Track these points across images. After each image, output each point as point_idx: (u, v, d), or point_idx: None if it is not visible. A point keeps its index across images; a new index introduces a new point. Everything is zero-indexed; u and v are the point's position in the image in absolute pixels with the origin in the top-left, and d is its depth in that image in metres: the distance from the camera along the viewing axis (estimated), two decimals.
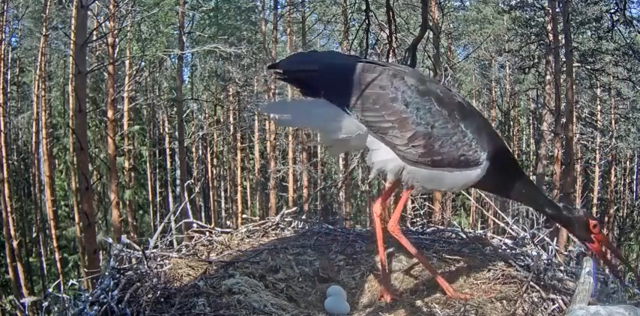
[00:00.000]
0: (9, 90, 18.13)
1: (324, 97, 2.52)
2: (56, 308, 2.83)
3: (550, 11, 13.31)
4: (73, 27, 13.38)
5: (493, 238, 3.40)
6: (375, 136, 2.48)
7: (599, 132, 19.13)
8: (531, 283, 2.60)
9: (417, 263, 3.09)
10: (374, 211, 2.74)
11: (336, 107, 2.50)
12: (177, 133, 19.42)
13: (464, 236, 3.42)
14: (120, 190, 16.20)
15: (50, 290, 2.94)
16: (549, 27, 13.57)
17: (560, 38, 12.89)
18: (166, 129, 23.37)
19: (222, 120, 22.73)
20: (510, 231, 3.39)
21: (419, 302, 2.63)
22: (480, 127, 2.49)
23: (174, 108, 18.63)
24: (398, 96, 2.44)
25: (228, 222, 21.17)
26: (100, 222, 17.57)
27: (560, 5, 12.11)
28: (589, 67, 15.05)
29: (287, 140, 19.05)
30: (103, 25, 13.73)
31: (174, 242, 3.35)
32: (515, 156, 2.57)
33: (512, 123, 23.08)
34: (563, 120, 11.94)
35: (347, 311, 2.74)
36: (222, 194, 24.07)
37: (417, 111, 2.42)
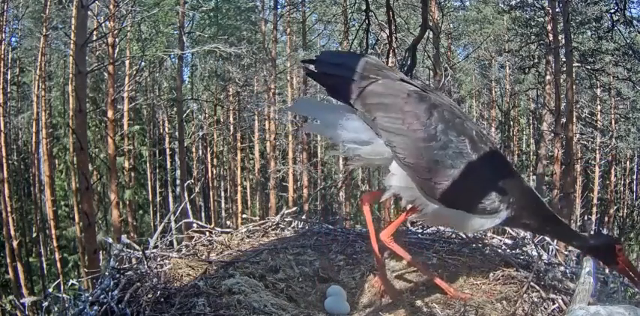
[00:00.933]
0: (9, 90, 18.12)
1: (355, 109, 2.44)
2: (56, 308, 2.83)
3: (550, 11, 13.31)
4: (73, 27, 13.39)
5: (493, 238, 3.40)
6: (399, 164, 2.42)
7: (599, 132, 19.13)
8: (531, 283, 2.60)
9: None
10: (363, 200, 2.72)
11: (367, 126, 2.43)
12: (177, 133, 19.42)
13: (464, 236, 3.42)
14: (120, 190, 16.20)
15: (50, 290, 2.94)
16: (549, 27, 13.56)
17: (560, 38, 12.89)
18: (166, 129, 23.37)
19: (222, 120, 22.73)
20: (510, 230, 3.39)
21: (419, 302, 2.63)
22: (506, 175, 2.45)
23: (175, 108, 18.63)
24: (433, 132, 2.37)
25: (228, 222, 21.16)
26: (100, 222, 17.57)
27: (560, 5, 12.11)
28: (589, 67, 15.05)
29: (287, 140, 19.06)
30: (103, 25, 13.74)
31: (174, 242, 3.35)
32: (538, 196, 2.52)
33: (512, 123, 23.09)
34: (563, 120, 11.94)
35: (347, 311, 2.74)
36: (222, 194, 24.07)
37: (449, 153, 2.36)
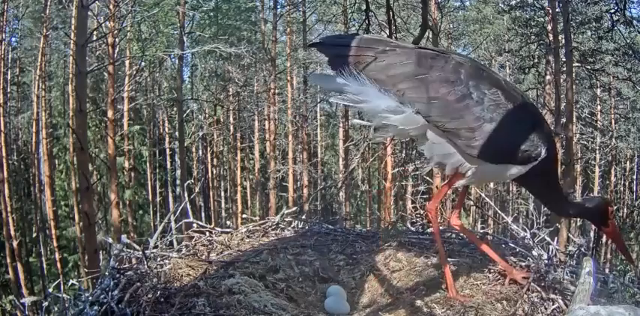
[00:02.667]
0: (9, 90, 18.12)
1: (378, 85, 2.40)
2: (56, 308, 2.83)
3: (550, 11, 13.30)
4: (73, 27, 13.42)
5: (493, 238, 3.40)
6: (436, 131, 2.39)
7: (599, 132, 19.13)
8: (531, 283, 2.60)
9: (417, 263, 3.09)
10: (429, 210, 2.67)
11: (394, 97, 2.40)
12: (177, 133, 19.42)
13: (464, 236, 3.42)
14: (120, 190, 16.21)
15: (50, 290, 2.93)
16: (549, 27, 13.56)
17: (560, 38, 12.88)
18: (166, 129, 23.38)
19: (222, 120, 22.72)
20: (510, 230, 3.39)
21: (419, 302, 2.63)
22: (539, 120, 2.47)
23: (174, 108, 18.63)
24: (466, 90, 2.34)
25: (228, 222, 21.14)
26: (100, 222, 17.55)
27: (560, 5, 12.10)
28: (589, 67, 15.05)
29: (287, 140, 19.06)
30: (103, 25, 13.73)
31: (174, 242, 3.35)
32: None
33: None
34: (563, 120, 11.93)
35: (347, 311, 2.74)
36: (222, 194, 24.07)
37: (486, 108, 2.34)
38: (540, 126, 2.45)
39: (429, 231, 3.62)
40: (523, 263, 2.91)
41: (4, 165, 16.00)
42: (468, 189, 2.87)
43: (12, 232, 16.11)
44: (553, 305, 2.46)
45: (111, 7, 13.71)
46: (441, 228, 3.64)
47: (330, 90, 2.56)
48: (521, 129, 2.39)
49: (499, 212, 3.77)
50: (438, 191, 2.68)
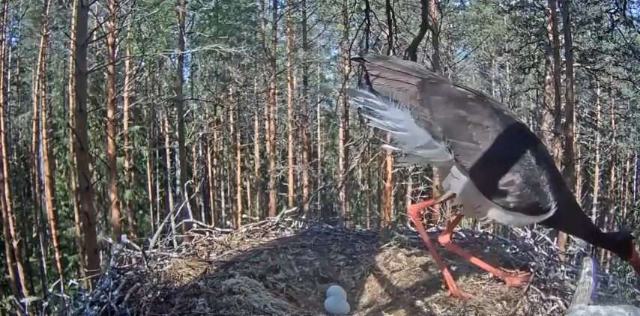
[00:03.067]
0: (9, 90, 18.12)
1: (414, 111, 2.50)
2: (56, 308, 2.83)
3: (550, 11, 13.30)
4: (73, 27, 13.42)
5: (493, 238, 3.40)
6: (461, 170, 2.49)
7: (599, 132, 19.12)
8: (531, 284, 2.60)
9: (417, 263, 3.09)
10: (411, 213, 2.78)
11: (429, 131, 2.49)
12: (177, 133, 19.42)
13: (463, 235, 3.42)
14: (120, 190, 16.20)
15: (50, 290, 2.93)
16: (549, 27, 13.56)
17: (560, 38, 12.88)
18: (166, 129, 23.37)
19: (222, 120, 22.72)
20: (511, 230, 3.39)
21: (419, 302, 2.63)
22: (554, 176, 2.53)
23: (175, 108, 18.62)
24: (498, 141, 2.44)
25: (228, 222, 21.14)
26: (100, 222, 17.55)
27: (560, 5, 12.10)
28: (589, 67, 15.05)
29: (287, 140, 19.06)
30: (103, 25, 13.73)
31: (174, 242, 3.35)
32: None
33: None
34: (563, 120, 11.92)
35: (347, 311, 2.74)
36: (222, 194, 24.06)
37: (512, 162, 2.44)
38: (555, 179, 2.53)
39: (429, 231, 3.62)
40: (523, 262, 2.91)
41: (4, 165, 16.00)
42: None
43: (12, 232, 16.10)
44: (553, 305, 2.46)
45: (111, 7, 13.72)
46: (440, 227, 3.65)
47: (363, 108, 2.64)
48: (537, 184, 2.46)
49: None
50: (428, 200, 2.80)
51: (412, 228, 3.73)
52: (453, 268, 2.96)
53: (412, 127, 2.50)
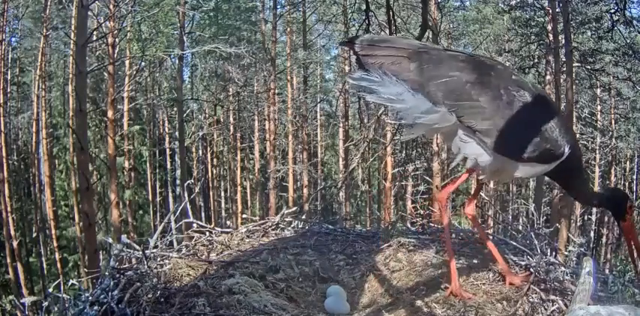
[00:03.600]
0: (9, 90, 18.12)
1: (411, 86, 2.50)
2: (56, 308, 2.82)
3: (550, 11, 13.29)
4: (73, 27, 13.43)
5: (493, 238, 3.39)
6: (467, 130, 2.49)
7: (599, 132, 19.12)
8: (531, 284, 2.60)
9: (417, 263, 3.09)
10: (441, 198, 2.75)
11: (428, 98, 2.49)
12: (177, 133, 19.42)
13: (463, 235, 3.42)
14: (120, 190, 16.21)
15: (50, 290, 2.92)
16: (549, 27, 13.56)
17: (560, 38, 12.88)
18: (166, 129, 23.38)
19: (222, 120, 22.73)
20: (511, 230, 3.39)
21: (419, 302, 2.63)
22: (561, 121, 2.54)
23: (175, 108, 18.63)
24: (497, 94, 2.45)
25: (228, 222, 21.17)
26: (100, 222, 17.56)
27: (560, 5, 12.10)
28: (589, 67, 15.04)
29: (287, 140, 19.06)
30: (103, 25, 13.73)
31: (174, 242, 3.35)
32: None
33: None
34: None
35: (347, 311, 2.74)
36: (222, 194, 24.07)
37: (516, 110, 2.44)
38: (563, 124, 2.55)
39: (428, 231, 3.62)
40: (523, 263, 2.91)
41: (4, 165, 16.00)
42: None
43: (12, 232, 16.10)
44: (553, 305, 2.46)
45: (111, 7, 13.71)
46: (441, 227, 3.65)
47: (361, 89, 2.63)
48: (546, 130, 2.47)
49: (499, 212, 3.77)
50: (456, 179, 2.78)
51: (412, 228, 3.73)
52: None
53: (410, 98, 2.50)
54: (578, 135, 17.19)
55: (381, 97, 2.55)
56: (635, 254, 2.78)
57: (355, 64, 2.71)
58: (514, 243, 3.22)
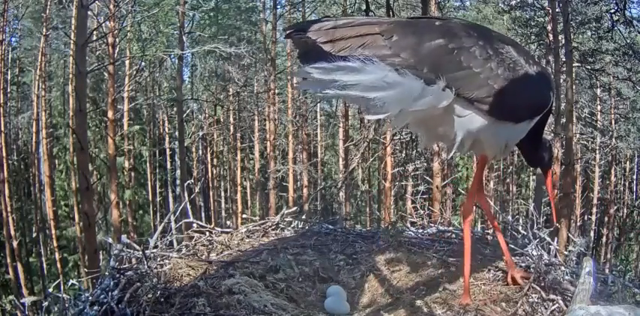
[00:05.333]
0: (9, 90, 18.12)
1: (395, 66, 2.15)
2: (56, 308, 2.82)
3: (550, 11, 13.29)
4: (73, 27, 13.42)
5: (493, 238, 3.39)
6: (463, 104, 2.27)
7: (599, 132, 19.12)
8: (532, 284, 2.60)
9: (417, 263, 3.09)
10: (467, 210, 2.63)
11: (414, 76, 2.17)
12: (177, 133, 19.42)
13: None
14: (120, 190, 16.20)
15: (50, 290, 2.93)
16: (549, 27, 13.55)
17: (560, 38, 12.87)
18: (166, 129, 23.37)
19: (222, 120, 22.73)
20: (511, 230, 3.39)
21: (419, 302, 2.63)
22: (544, 69, 2.48)
23: (175, 108, 18.62)
24: (487, 56, 2.25)
25: (228, 222, 21.17)
26: (100, 222, 17.55)
27: (560, 5, 12.09)
28: (589, 67, 15.03)
29: (287, 140, 19.06)
30: (103, 25, 13.72)
31: (174, 242, 3.35)
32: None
33: None
34: (563, 120, 11.92)
35: (347, 311, 2.75)
36: (222, 194, 24.08)
37: (508, 68, 2.28)
38: (547, 76, 2.48)
39: (428, 231, 3.62)
40: (523, 264, 2.91)
41: (4, 165, 15.98)
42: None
43: (12, 232, 16.09)
44: (553, 305, 2.46)
45: (111, 7, 13.70)
46: (440, 227, 3.65)
47: (327, 86, 2.16)
48: (536, 85, 2.38)
49: (499, 212, 3.77)
50: (474, 180, 2.64)
51: (412, 228, 3.73)
52: (453, 269, 2.96)
53: (396, 79, 2.14)
54: (578, 135, 17.20)
55: (356, 89, 2.14)
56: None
57: (299, 59, 2.28)
58: (512, 246, 3.22)
